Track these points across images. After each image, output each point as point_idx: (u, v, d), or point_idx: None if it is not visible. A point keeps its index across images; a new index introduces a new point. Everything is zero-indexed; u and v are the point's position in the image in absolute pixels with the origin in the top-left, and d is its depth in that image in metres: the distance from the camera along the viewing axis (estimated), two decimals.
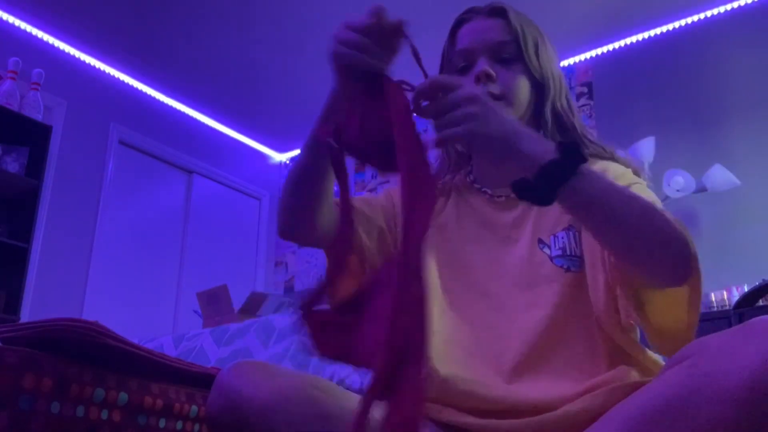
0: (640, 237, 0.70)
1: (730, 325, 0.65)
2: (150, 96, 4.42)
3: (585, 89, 3.95)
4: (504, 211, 0.95)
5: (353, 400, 0.76)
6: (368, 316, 0.64)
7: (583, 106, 3.90)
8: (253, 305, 2.64)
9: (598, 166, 0.93)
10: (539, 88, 0.96)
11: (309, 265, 4.85)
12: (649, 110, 3.65)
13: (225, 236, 4.76)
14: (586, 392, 0.77)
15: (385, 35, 0.70)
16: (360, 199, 0.96)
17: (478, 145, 0.70)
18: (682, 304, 0.76)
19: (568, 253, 0.88)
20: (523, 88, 0.94)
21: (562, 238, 0.89)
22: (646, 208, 0.71)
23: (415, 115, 0.69)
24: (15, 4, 3.64)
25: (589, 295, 0.84)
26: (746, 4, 3.53)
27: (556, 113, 0.96)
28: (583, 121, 1.02)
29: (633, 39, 3.85)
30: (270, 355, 2.02)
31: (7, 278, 3.26)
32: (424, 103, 0.71)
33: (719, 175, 3.05)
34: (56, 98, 3.82)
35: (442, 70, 1.02)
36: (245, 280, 4.73)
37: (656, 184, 2.99)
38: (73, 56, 4.01)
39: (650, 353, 0.85)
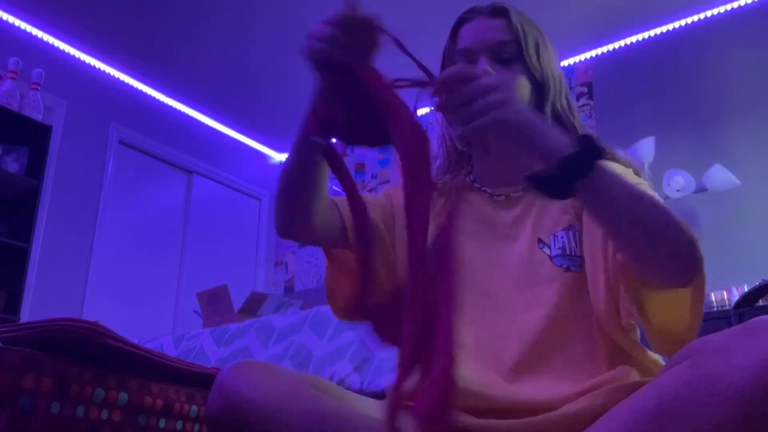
0: (652, 234, 0.70)
1: (730, 325, 0.65)
2: (150, 96, 4.42)
3: (585, 89, 3.95)
4: (504, 210, 0.95)
5: (353, 400, 0.77)
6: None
7: (583, 106, 3.90)
8: (253, 305, 2.64)
9: None
10: (539, 88, 0.96)
11: (309, 265, 4.85)
12: (649, 110, 3.65)
13: (225, 236, 4.76)
14: (586, 392, 0.77)
15: (359, 27, 0.71)
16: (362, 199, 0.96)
17: (504, 134, 0.68)
18: (685, 306, 0.76)
19: (568, 252, 0.88)
20: (523, 88, 0.94)
21: (562, 237, 0.89)
22: (659, 206, 0.71)
23: (436, 111, 0.69)
24: (15, 4, 3.64)
25: (589, 295, 0.84)
26: (746, 4, 3.53)
27: (556, 113, 0.97)
28: (583, 121, 1.02)
29: (633, 39, 3.85)
30: (270, 355, 2.02)
31: (7, 278, 3.26)
32: (440, 98, 0.70)
33: (719, 175, 3.05)
34: (56, 98, 3.82)
35: (443, 69, 1.02)
36: (245, 280, 4.73)
37: (656, 184, 2.98)
38: (73, 56, 4.01)
39: (650, 353, 0.85)
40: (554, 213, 0.91)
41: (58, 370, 0.75)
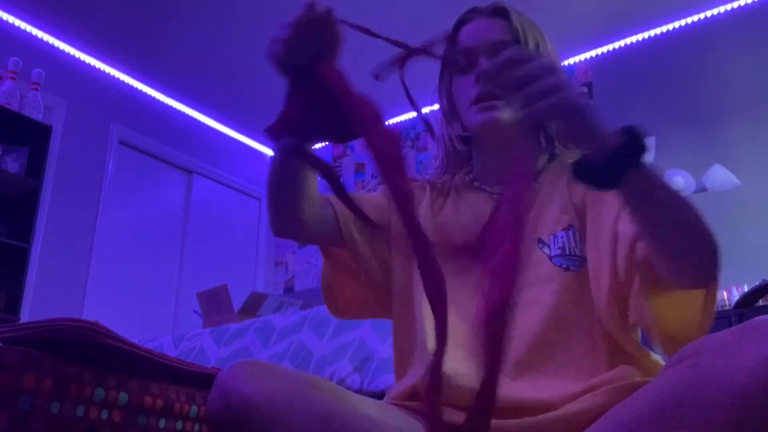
0: (684, 231, 0.70)
1: (730, 325, 0.65)
2: (150, 96, 4.42)
3: (585, 89, 3.95)
4: None
5: (354, 400, 0.76)
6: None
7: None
8: (253, 305, 2.64)
9: None
10: None
11: (309, 265, 4.85)
12: (649, 110, 3.65)
13: (225, 236, 4.76)
14: (586, 392, 0.77)
15: (317, 25, 0.72)
16: (356, 197, 0.96)
17: (563, 118, 0.65)
18: (695, 309, 0.76)
19: (568, 252, 0.88)
20: None
21: (562, 237, 0.89)
22: (691, 205, 0.70)
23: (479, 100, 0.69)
24: (15, 4, 3.64)
25: (590, 295, 0.84)
26: (746, 4, 3.53)
27: None
28: None
29: (633, 39, 3.85)
30: (270, 355, 2.02)
31: (7, 278, 3.26)
32: (484, 83, 0.69)
33: (719, 175, 3.05)
34: (56, 98, 3.83)
35: (443, 70, 1.02)
36: (245, 280, 4.73)
37: None
38: (73, 56, 4.01)
39: (652, 354, 0.85)
40: (554, 213, 0.91)
41: (58, 370, 0.75)
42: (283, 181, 0.86)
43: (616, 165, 0.65)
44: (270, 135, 0.77)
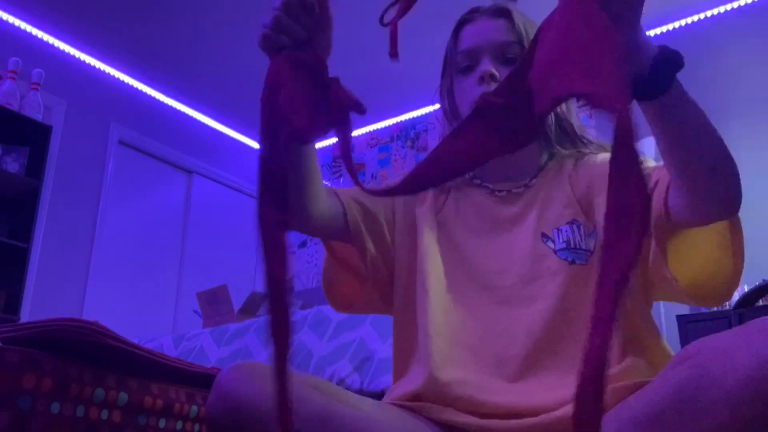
0: (713, 152, 0.69)
1: (730, 325, 0.65)
2: (150, 96, 4.42)
3: None
4: (505, 205, 0.95)
5: (353, 401, 0.76)
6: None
7: (583, 106, 3.89)
8: (253, 305, 2.64)
9: (601, 156, 0.94)
10: None
11: (309, 265, 4.85)
12: None
13: (225, 236, 4.76)
14: None
15: (304, 7, 0.69)
16: (362, 192, 0.95)
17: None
18: (725, 248, 0.77)
19: (573, 246, 0.87)
20: None
21: (566, 231, 0.89)
22: (715, 128, 0.69)
23: None
24: (15, 4, 3.64)
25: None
26: (746, 4, 3.53)
27: (556, 113, 0.97)
28: (582, 122, 1.02)
29: None
30: (270, 356, 2.02)
31: (7, 278, 3.26)
32: None
33: None
34: (56, 98, 3.83)
35: (444, 70, 1.02)
36: (245, 280, 4.73)
37: None
38: (73, 56, 4.01)
39: (663, 341, 0.85)
40: (557, 208, 0.91)
41: (58, 370, 0.75)
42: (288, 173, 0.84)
43: (662, 69, 0.63)
44: (299, 139, 0.73)
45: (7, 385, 0.70)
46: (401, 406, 0.84)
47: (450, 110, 1.02)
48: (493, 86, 0.92)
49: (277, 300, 0.57)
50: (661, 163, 0.79)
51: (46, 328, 0.76)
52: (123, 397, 0.81)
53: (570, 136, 0.98)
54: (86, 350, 0.79)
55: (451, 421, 0.81)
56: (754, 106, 3.36)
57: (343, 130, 0.67)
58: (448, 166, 0.58)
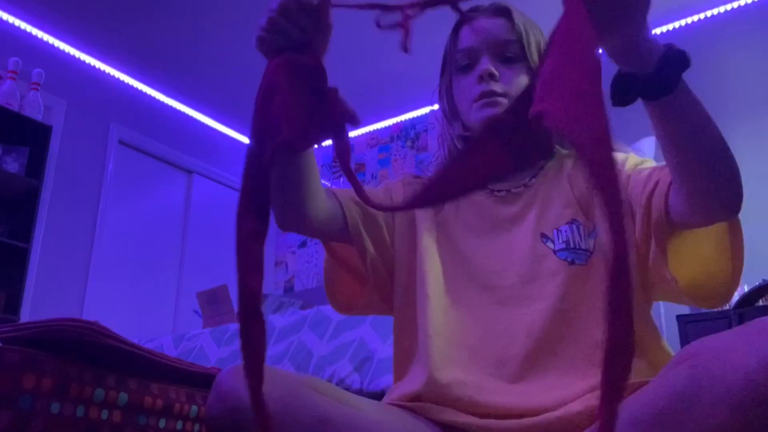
0: (715, 152, 0.69)
1: (730, 325, 0.65)
2: (150, 96, 4.42)
3: None
4: (505, 205, 0.95)
5: (353, 402, 0.76)
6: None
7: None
8: None
9: None
10: None
11: (309, 265, 4.85)
12: None
13: (225, 236, 4.75)
14: (586, 392, 0.77)
15: (302, 8, 0.69)
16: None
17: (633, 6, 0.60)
18: (721, 255, 0.77)
19: (573, 246, 0.87)
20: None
21: (566, 231, 0.89)
22: (718, 128, 0.69)
23: None
24: (15, 4, 3.64)
25: (598, 287, 0.83)
26: (746, 4, 3.53)
27: None
28: None
29: None
30: (270, 355, 2.02)
31: (7, 278, 3.26)
32: None
33: None
34: (56, 98, 3.83)
35: (443, 69, 1.02)
36: None
37: None
38: (73, 56, 4.01)
39: (663, 341, 0.85)
40: (557, 208, 0.91)
41: (58, 370, 0.75)
42: (284, 176, 0.84)
43: (668, 69, 0.62)
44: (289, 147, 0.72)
45: (7, 385, 0.70)
46: (401, 407, 0.84)
47: (449, 109, 1.01)
48: (492, 85, 0.92)
49: (248, 311, 0.57)
50: (662, 163, 0.79)
51: (46, 328, 0.76)
52: (123, 397, 0.81)
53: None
54: (86, 350, 0.79)
55: (451, 421, 0.81)
56: (754, 106, 3.36)
57: (341, 142, 0.67)
58: (460, 183, 0.57)
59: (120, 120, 4.20)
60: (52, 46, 3.90)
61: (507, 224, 0.93)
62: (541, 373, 0.81)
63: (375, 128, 4.90)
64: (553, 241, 0.89)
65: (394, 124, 4.85)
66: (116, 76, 4.22)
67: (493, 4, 0.98)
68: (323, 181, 0.90)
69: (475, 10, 0.99)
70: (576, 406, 0.75)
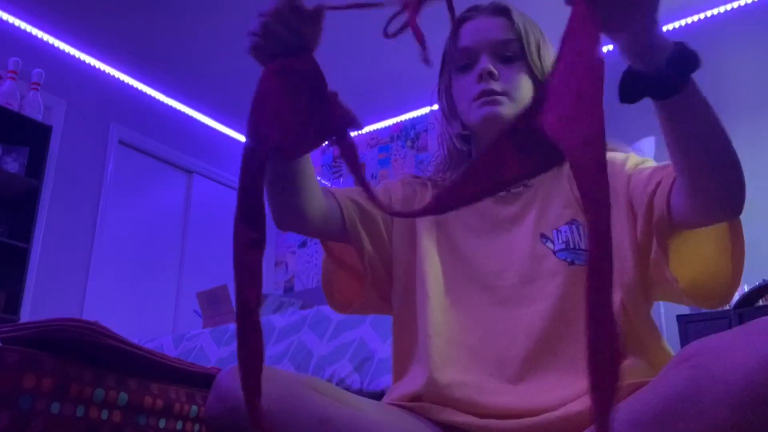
0: (721, 151, 0.69)
1: (730, 325, 0.65)
2: (150, 96, 4.42)
3: None
4: (505, 205, 0.95)
5: (353, 402, 0.76)
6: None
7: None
8: None
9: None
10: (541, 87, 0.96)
11: (309, 265, 4.85)
12: (649, 110, 3.64)
13: (225, 236, 4.75)
14: (587, 392, 0.77)
15: (294, 13, 0.69)
16: (360, 192, 0.95)
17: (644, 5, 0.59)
18: (721, 255, 0.77)
19: (572, 246, 0.87)
20: (524, 86, 0.94)
21: (566, 232, 0.89)
22: (725, 127, 0.69)
23: None
24: (15, 4, 3.64)
25: None
26: (746, 4, 3.53)
27: None
28: None
29: None
30: (270, 355, 2.02)
31: (7, 278, 3.26)
32: None
33: None
34: (56, 98, 3.83)
35: (443, 68, 1.02)
36: None
37: None
38: (73, 56, 4.01)
39: (664, 341, 0.85)
40: (556, 208, 0.91)
41: (58, 370, 0.75)
42: (279, 172, 0.83)
43: (677, 69, 0.62)
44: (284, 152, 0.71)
45: (7, 385, 0.70)
46: (401, 407, 0.84)
47: (448, 108, 1.01)
48: (492, 84, 0.92)
49: (245, 323, 0.57)
50: (663, 162, 0.79)
51: (46, 328, 0.76)
52: (123, 397, 0.81)
53: None
54: (86, 350, 0.79)
55: (451, 421, 0.81)
56: (754, 107, 3.36)
57: (344, 145, 0.66)
58: (476, 190, 0.57)
59: (120, 120, 4.20)
60: (52, 46, 3.90)
61: (507, 224, 0.93)
62: (541, 373, 0.81)
63: (375, 128, 4.90)
64: (552, 242, 0.89)
65: (393, 124, 4.85)
66: (116, 76, 4.22)
67: (492, 3, 0.98)
68: (323, 181, 0.90)
69: (475, 9, 0.99)
70: (576, 406, 0.75)
